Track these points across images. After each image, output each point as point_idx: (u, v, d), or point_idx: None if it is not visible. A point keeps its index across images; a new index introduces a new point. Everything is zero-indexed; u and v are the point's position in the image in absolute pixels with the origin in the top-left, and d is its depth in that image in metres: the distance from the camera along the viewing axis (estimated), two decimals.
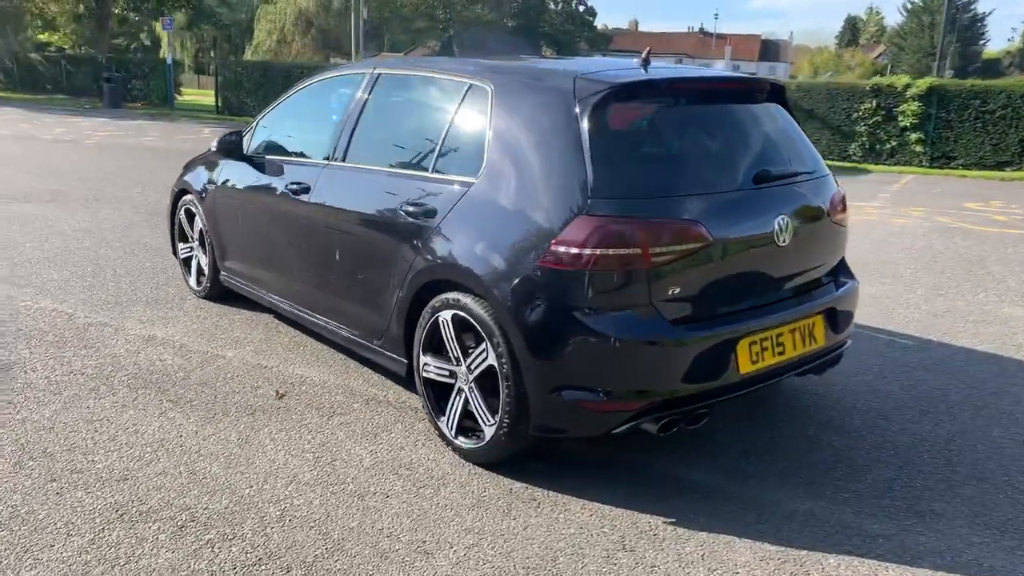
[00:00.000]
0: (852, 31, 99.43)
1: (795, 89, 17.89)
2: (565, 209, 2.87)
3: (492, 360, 3.07)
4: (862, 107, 16.98)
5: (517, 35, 60.69)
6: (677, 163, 3.13)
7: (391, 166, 3.69)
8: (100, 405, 3.75)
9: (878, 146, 17.05)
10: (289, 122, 4.58)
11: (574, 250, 2.81)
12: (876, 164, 16.81)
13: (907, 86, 16.54)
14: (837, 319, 3.44)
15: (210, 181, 5.02)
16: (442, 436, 3.41)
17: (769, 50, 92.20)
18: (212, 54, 51.09)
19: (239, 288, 4.94)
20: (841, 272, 3.63)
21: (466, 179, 3.24)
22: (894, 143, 16.83)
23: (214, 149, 4.72)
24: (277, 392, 3.95)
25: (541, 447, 3.35)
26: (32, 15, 34.36)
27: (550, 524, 2.88)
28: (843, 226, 3.58)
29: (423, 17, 34.10)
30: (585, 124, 2.92)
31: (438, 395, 3.40)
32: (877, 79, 18.38)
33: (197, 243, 5.33)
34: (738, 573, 2.64)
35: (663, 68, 3.35)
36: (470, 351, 3.19)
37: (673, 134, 3.18)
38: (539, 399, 2.95)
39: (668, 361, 2.88)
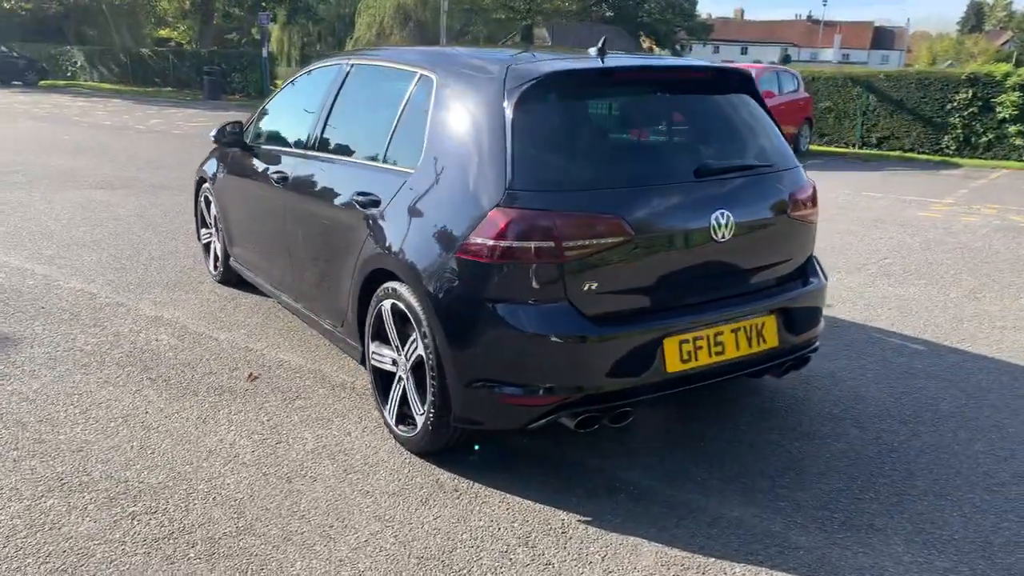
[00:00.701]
0: (976, 17, 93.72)
1: (883, 79, 17.03)
2: (484, 200, 2.85)
3: (420, 350, 3.09)
4: (957, 97, 15.98)
5: (613, 24, 60.10)
6: (604, 155, 3.05)
7: (351, 156, 3.74)
8: (85, 380, 3.96)
9: (973, 139, 16.02)
10: (281, 111, 4.70)
11: (489, 242, 2.78)
12: (970, 158, 15.80)
13: (1007, 75, 15.47)
14: (794, 320, 3.29)
15: (220, 169, 5.21)
16: (386, 424, 3.45)
17: (883, 38, 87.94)
18: (317, 48, 52.74)
19: (243, 273, 5.12)
20: (808, 270, 3.45)
21: (407, 169, 3.26)
22: (991, 136, 15.77)
23: (211, 138, 4.89)
24: (250, 375, 4.08)
25: (487, 439, 3.34)
26: (146, 12, 36.32)
27: (462, 516, 2.88)
28: (808, 222, 3.41)
29: (503, 8, 34.05)
30: (510, 114, 2.89)
31: (384, 383, 3.44)
32: (973, 66, 17.25)
33: (214, 229, 5.55)
34: (630, 574, 2.57)
35: (614, 58, 3.27)
36: (407, 341, 3.21)
37: (603, 125, 3.11)
38: (458, 391, 2.94)
39: (583, 357, 2.83)
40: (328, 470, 3.18)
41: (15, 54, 31.29)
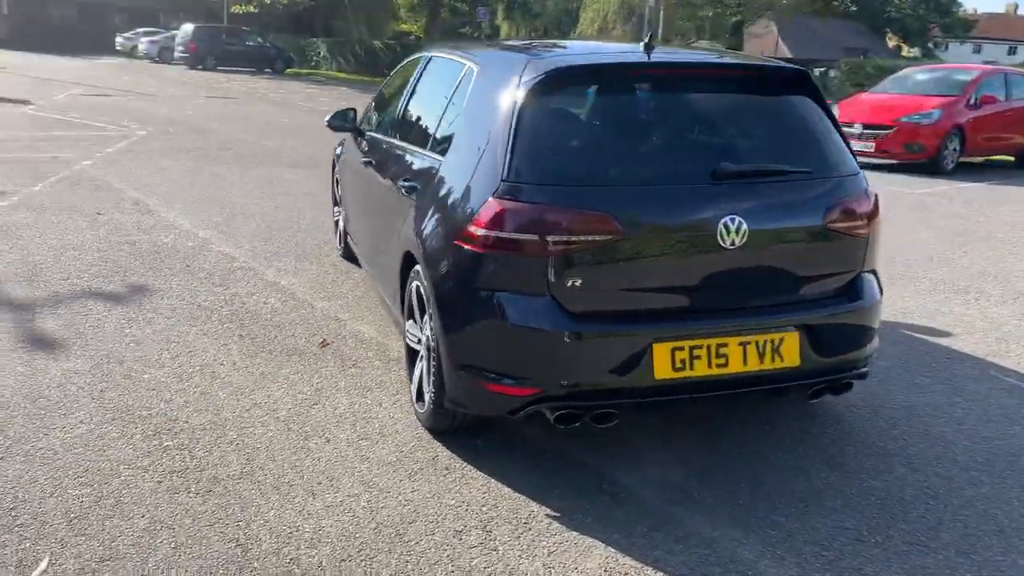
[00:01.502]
0: None
1: None
2: (485, 190, 2.92)
3: (428, 332, 3.22)
4: None
5: (855, 20, 56.09)
6: (608, 152, 2.99)
7: (410, 143, 3.94)
8: (188, 331, 4.49)
9: None
10: (383, 99, 5.01)
11: (480, 231, 2.85)
12: None
13: None
14: (824, 339, 3.05)
15: (343, 150, 5.65)
16: (410, 399, 3.62)
17: None
18: None
19: (353, 248, 5.51)
20: (857, 287, 3.17)
21: (440, 157, 3.39)
22: None
23: (325, 123, 5.30)
24: (323, 341, 4.42)
25: (501, 425, 3.41)
26: (383, 6, 39.17)
27: (439, 493, 2.98)
28: (856, 235, 3.12)
29: (712, 3, 32.79)
30: (519, 106, 2.93)
31: (411, 360, 3.61)
32: None
33: (340, 207, 6.01)
34: (568, 574, 2.55)
35: (657, 53, 3.19)
36: (427, 322, 3.36)
37: (613, 121, 3.05)
38: (451, 373, 3.04)
39: (561, 352, 2.82)
40: (344, 434, 3.40)
41: (268, 45, 34.95)
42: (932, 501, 3.04)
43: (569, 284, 2.80)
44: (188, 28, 32.45)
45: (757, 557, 2.67)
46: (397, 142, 4.11)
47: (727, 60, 3.39)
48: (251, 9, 39.51)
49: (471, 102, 3.28)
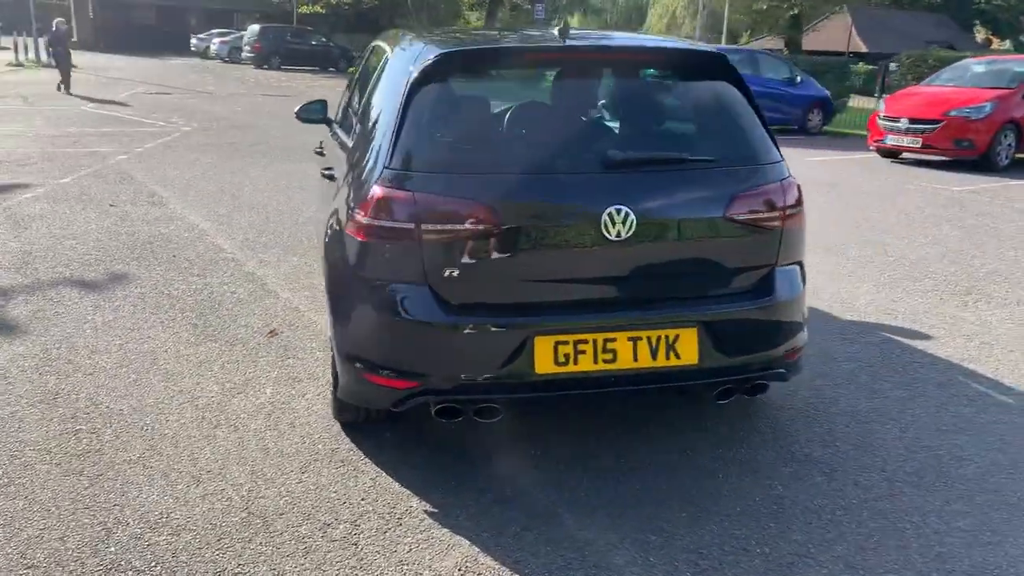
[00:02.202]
0: None
1: None
2: (372, 177, 2.86)
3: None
4: None
5: (939, 13, 53.73)
6: (493, 139, 2.90)
7: (339, 131, 3.91)
8: (147, 319, 4.57)
9: None
10: (347, 89, 4.99)
11: (364, 220, 2.80)
12: None
13: None
14: (728, 337, 2.89)
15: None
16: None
17: None
18: None
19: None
20: (772, 282, 2.99)
21: (351, 145, 3.35)
22: None
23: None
24: (271, 331, 4.44)
25: (412, 420, 3.35)
26: (446, 3, 39.48)
27: (323, 486, 2.95)
28: (765, 227, 2.95)
29: None
30: (408, 92, 2.87)
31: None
32: None
33: None
34: (421, 573, 2.48)
35: (573, 37, 3.06)
36: None
37: (503, 108, 2.94)
38: (341, 365, 3.00)
39: (439, 344, 2.75)
40: (255, 424, 3.40)
41: (331, 44, 35.61)
42: (839, 512, 2.85)
43: (447, 274, 2.72)
44: (254, 29, 33.34)
45: (626, 563, 2.55)
46: (334, 130, 4.11)
47: (636, 44, 3.23)
48: (319, 10, 40.33)
49: (378, 90, 3.23)
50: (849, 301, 5.18)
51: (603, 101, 3.10)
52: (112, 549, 2.56)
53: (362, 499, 2.86)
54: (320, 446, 3.23)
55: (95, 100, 17.21)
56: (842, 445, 3.31)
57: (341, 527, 2.70)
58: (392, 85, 3.06)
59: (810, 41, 39.74)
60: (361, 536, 2.65)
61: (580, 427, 3.38)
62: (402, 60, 3.12)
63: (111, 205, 7.44)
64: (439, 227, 2.69)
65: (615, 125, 3.09)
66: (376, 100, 3.20)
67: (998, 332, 4.69)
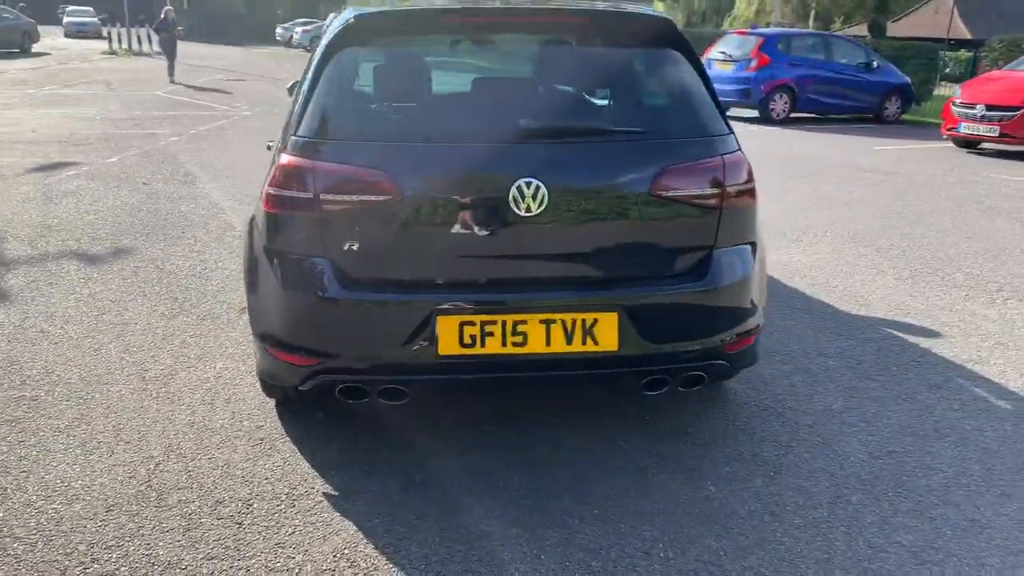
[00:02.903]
0: None
1: None
2: (282, 147, 2.77)
3: None
4: None
5: None
6: (401, 105, 2.74)
7: None
8: (132, 292, 4.62)
9: None
10: None
11: (271, 190, 2.71)
12: None
13: None
14: (654, 323, 2.67)
15: None
16: None
17: None
18: (699, 26, 52.65)
19: None
20: (708, 265, 2.75)
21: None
22: None
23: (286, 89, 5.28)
24: (243, 307, 4.41)
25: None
26: None
27: (233, 463, 2.88)
28: (697, 206, 2.71)
29: None
30: (322, 57, 2.76)
31: None
32: None
33: None
34: (295, 557, 2.38)
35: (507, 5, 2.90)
36: None
37: (416, 74, 2.78)
38: (255, 342, 2.92)
39: (338, 321, 2.63)
40: (191, 398, 3.36)
41: None
42: (768, 518, 2.60)
43: (346, 248, 2.60)
44: (332, 17, 33.93)
45: (513, 559, 2.38)
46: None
47: (571, 8, 3.01)
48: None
49: (310, 59, 3.12)
50: (862, 295, 4.81)
51: (532, 69, 2.90)
52: (0, 515, 2.54)
53: (265, 478, 2.78)
54: (246, 423, 3.16)
55: (176, 85, 17.81)
56: (798, 447, 3.04)
57: (232, 506, 2.62)
58: (314, 53, 2.95)
59: (905, 27, 37.66)
60: (249, 516, 2.57)
61: (520, 416, 3.21)
62: (329, 27, 3.01)
63: (144, 183, 7.62)
64: (337, 197, 2.57)
65: (538, 94, 2.89)
66: (306, 69, 3.09)
67: (1020, 333, 4.26)
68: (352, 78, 2.77)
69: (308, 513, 2.59)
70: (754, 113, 14.49)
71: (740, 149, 2.84)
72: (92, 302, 4.43)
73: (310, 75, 2.75)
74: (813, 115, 14.97)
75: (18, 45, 26.17)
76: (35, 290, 4.59)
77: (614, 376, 2.79)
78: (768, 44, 14.35)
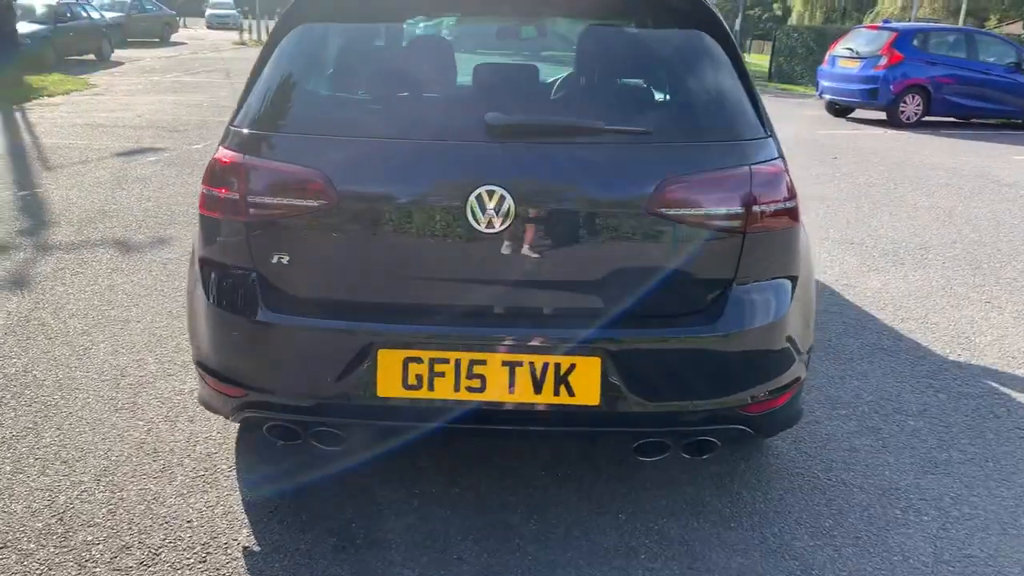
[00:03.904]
0: None
1: None
2: (223, 137, 2.38)
3: None
4: None
5: None
6: (350, 94, 2.28)
7: None
8: (152, 286, 4.41)
9: None
10: None
11: (202, 188, 2.32)
12: None
13: None
14: (645, 375, 2.12)
15: None
16: None
17: None
18: (839, 22, 49.97)
19: None
20: (724, 305, 2.16)
21: None
22: None
23: None
24: None
25: None
26: None
27: (156, 499, 2.52)
28: (712, 229, 2.12)
29: None
30: (279, 33, 2.35)
31: None
32: None
33: None
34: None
35: None
36: None
37: (378, 58, 2.32)
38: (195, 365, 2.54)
39: (260, 347, 2.21)
40: (158, 412, 3.05)
41: None
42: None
43: (275, 261, 2.18)
44: None
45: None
46: None
47: None
48: None
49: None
50: (968, 336, 4.00)
51: (518, 54, 2.39)
52: None
53: (188, 521, 2.40)
54: (199, 447, 2.81)
55: None
56: (841, 538, 2.40)
57: (137, 554, 2.25)
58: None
59: None
60: (149, 571, 2.19)
61: (500, 466, 2.72)
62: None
63: None
64: (265, 200, 2.15)
65: (517, 83, 2.37)
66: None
67: None
68: (309, 59, 2.34)
69: (215, 572, 2.18)
70: (881, 116, 13.25)
71: (781, 157, 2.23)
72: (106, 295, 4.23)
73: (261, 56, 2.34)
74: (950, 119, 13.55)
75: (158, 35, 27.51)
76: (58, 279, 4.44)
77: (595, 435, 2.25)
78: (902, 40, 13.06)
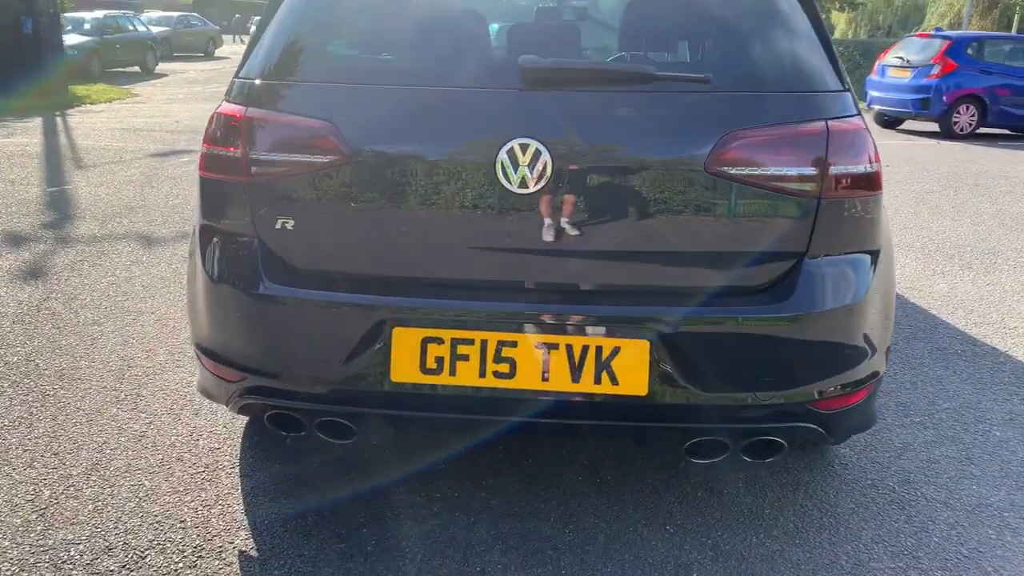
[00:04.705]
0: None
1: None
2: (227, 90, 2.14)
3: None
4: None
5: None
6: (370, 36, 2.03)
7: None
8: (169, 279, 4.21)
9: None
10: None
11: (203, 148, 2.08)
12: None
13: None
14: (703, 361, 1.82)
15: None
16: None
17: None
18: (883, 38, 49.20)
19: None
20: (795, 281, 1.86)
21: None
22: None
23: None
24: None
25: None
26: None
27: (148, 497, 2.28)
28: (782, 192, 1.82)
29: None
30: None
31: None
32: None
33: None
34: None
35: None
36: None
37: (387, 2, 2.06)
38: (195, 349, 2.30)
39: (259, 324, 1.96)
40: (162, 405, 2.83)
41: None
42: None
43: (279, 227, 1.93)
44: None
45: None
46: None
47: None
48: None
49: None
50: None
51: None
52: None
53: (181, 521, 2.15)
54: (202, 442, 2.57)
55: None
56: (927, 560, 2.06)
57: (120, 556, 2.01)
58: None
59: None
60: (133, 572, 1.93)
61: (530, 467, 2.42)
62: None
63: None
64: (270, 157, 1.90)
65: (565, 26, 2.10)
66: None
67: None
68: (321, 4, 2.09)
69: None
70: (934, 127, 12.74)
71: (860, 114, 1.92)
72: (122, 286, 4.04)
73: (270, 2, 2.11)
74: (1006, 131, 13.00)
75: (202, 49, 27.90)
76: (74, 270, 4.27)
77: (641, 431, 1.95)
78: (956, 48, 12.57)
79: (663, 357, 1.80)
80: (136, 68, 19.56)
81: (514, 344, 1.82)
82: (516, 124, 1.78)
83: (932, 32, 14.28)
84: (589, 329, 1.81)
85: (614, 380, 1.81)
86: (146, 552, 2.01)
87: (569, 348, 1.81)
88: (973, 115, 12.54)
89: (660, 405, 1.83)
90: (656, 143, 1.81)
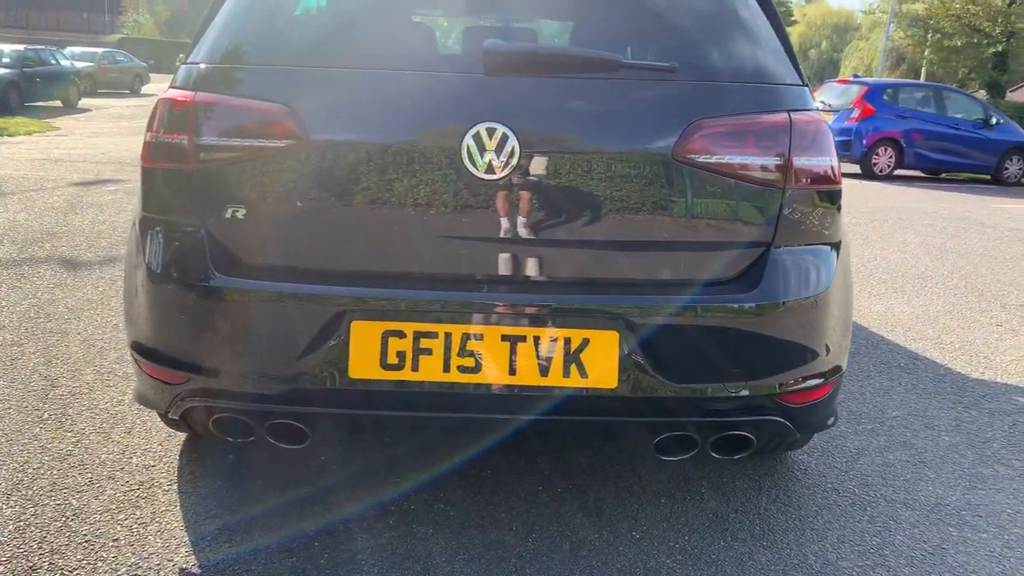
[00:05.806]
0: None
1: None
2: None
3: None
4: None
5: None
6: (318, 21, 1.97)
7: None
8: (94, 305, 3.99)
9: None
10: None
11: (146, 136, 1.97)
12: None
13: None
14: (671, 352, 1.78)
15: None
16: None
17: None
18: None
19: None
20: (761, 270, 1.84)
21: None
22: None
23: None
24: None
25: None
26: None
27: (74, 516, 2.10)
28: (748, 181, 1.82)
29: (965, 32, 27.15)
30: None
31: None
32: None
33: None
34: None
35: None
36: None
37: None
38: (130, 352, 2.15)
39: (207, 319, 1.84)
40: (91, 424, 2.63)
41: None
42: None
43: (229, 215, 1.83)
44: None
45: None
46: None
47: None
48: None
49: None
50: (986, 356, 3.73)
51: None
52: None
53: (114, 540, 1.98)
54: (134, 460, 2.39)
55: None
56: (894, 557, 2.04)
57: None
58: None
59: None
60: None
61: (502, 472, 2.33)
62: None
63: None
64: (219, 142, 1.80)
65: (535, 14, 2.08)
66: None
67: None
68: None
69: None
70: (855, 169, 13.29)
71: (818, 110, 1.94)
72: (44, 308, 3.80)
73: None
74: (921, 173, 13.65)
75: (128, 86, 27.26)
76: (65, 287, 4.04)
77: (610, 427, 1.89)
78: (873, 93, 13.20)
79: (632, 348, 1.76)
80: (58, 102, 18.95)
81: (480, 337, 1.75)
82: (483, 108, 1.73)
83: (851, 78, 14.99)
84: (558, 320, 1.75)
85: (583, 373, 1.76)
86: (75, 572, 1.84)
87: (537, 340, 1.75)
88: (891, 157, 13.14)
89: (630, 399, 1.78)
90: (625, 131, 1.79)
